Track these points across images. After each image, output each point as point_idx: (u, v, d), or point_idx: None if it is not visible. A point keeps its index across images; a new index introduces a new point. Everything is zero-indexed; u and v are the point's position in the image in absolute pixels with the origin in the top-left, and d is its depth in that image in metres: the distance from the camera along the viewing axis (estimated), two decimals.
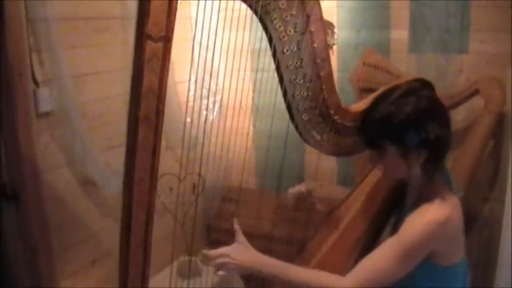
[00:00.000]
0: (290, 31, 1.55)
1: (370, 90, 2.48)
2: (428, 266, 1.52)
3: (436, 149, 1.51)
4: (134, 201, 1.26)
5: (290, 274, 1.52)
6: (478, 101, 2.51)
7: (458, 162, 2.49)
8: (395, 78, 2.45)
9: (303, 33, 1.56)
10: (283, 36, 1.55)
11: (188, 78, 3.00)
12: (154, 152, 1.25)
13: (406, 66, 2.70)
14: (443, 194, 1.51)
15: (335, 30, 2.89)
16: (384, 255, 1.47)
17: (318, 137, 1.78)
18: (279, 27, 1.53)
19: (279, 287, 1.76)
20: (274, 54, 1.59)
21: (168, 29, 1.18)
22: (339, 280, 1.48)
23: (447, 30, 2.60)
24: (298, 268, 1.54)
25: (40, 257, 2.13)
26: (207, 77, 2.80)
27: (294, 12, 1.52)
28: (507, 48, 2.41)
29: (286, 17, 1.52)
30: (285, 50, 1.57)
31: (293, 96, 1.65)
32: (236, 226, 1.63)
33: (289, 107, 1.69)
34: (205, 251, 1.58)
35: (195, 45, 2.96)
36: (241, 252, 1.57)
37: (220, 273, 1.57)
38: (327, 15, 2.82)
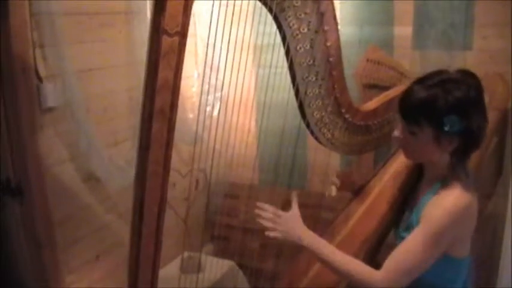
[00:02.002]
0: (304, 29, 1.56)
1: (374, 87, 2.49)
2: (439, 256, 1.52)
3: (471, 140, 1.51)
4: (147, 194, 1.27)
5: (329, 253, 1.55)
6: None
7: None
8: (398, 75, 2.45)
9: (316, 32, 1.58)
10: (297, 34, 1.56)
11: (191, 74, 3.01)
12: (168, 145, 1.26)
13: (409, 63, 2.70)
14: (465, 184, 1.51)
15: (338, 26, 2.89)
16: (413, 244, 1.48)
17: (329, 135, 1.78)
18: (293, 25, 1.55)
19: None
20: (287, 52, 1.59)
21: (184, 24, 1.20)
22: (372, 274, 1.49)
23: (451, 26, 2.60)
24: (338, 251, 1.57)
25: (44, 251, 2.14)
26: (209, 73, 2.79)
27: (308, 11, 1.54)
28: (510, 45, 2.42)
29: (300, 15, 1.54)
30: (298, 48, 1.58)
31: (305, 94, 1.66)
32: (294, 198, 1.65)
33: (301, 105, 1.69)
34: (260, 204, 1.62)
35: (198, 40, 2.98)
36: (290, 221, 1.60)
37: (271, 234, 1.59)
38: None
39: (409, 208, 1.72)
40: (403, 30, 2.74)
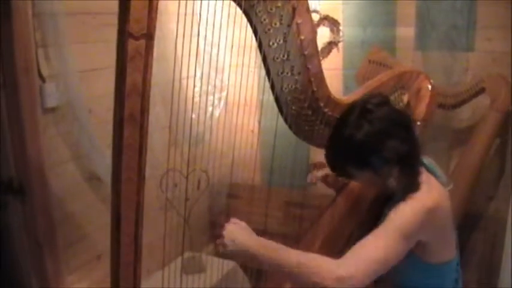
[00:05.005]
0: (276, 23, 1.51)
1: None
2: (420, 264, 1.51)
3: (405, 163, 1.47)
4: (122, 200, 1.24)
5: (280, 256, 1.40)
6: (484, 99, 2.50)
7: (464, 160, 2.49)
8: None
9: (289, 25, 1.52)
10: (269, 29, 1.51)
11: (194, 74, 3.01)
12: (141, 151, 1.23)
13: (412, 64, 2.70)
14: (430, 182, 1.49)
15: (340, 27, 2.89)
16: (375, 242, 1.39)
17: (309, 130, 1.76)
18: (264, 20, 1.49)
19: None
20: (260, 48, 1.55)
21: (150, 26, 1.16)
22: (331, 266, 1.34)
23: (453, 27, 2.60)
24: (291, 250, 1.41)
25: (45, 251, 2.14)
26: (212, 73, 2.80)
27: (279, 4, 1.49)
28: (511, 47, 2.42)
29: (271, 9, 1.49)
30: (271, 43, 1.54)
31: (281, 89, 1.62)
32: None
33: (277, 100, 1.66)
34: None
35: (200, 41, 2.98)
36: (235, 231, 1.50)
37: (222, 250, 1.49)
38: (332, 13, 2.86)
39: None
40: (406, 32, 2.74)
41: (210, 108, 2.93)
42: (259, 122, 3.09)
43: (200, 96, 3.00)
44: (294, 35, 1.54)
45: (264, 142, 3.13)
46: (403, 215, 1.41)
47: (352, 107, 1.56)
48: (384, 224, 1.42)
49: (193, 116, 2.96)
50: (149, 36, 1.17)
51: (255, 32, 1.53)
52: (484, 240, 2.58)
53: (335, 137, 1.53)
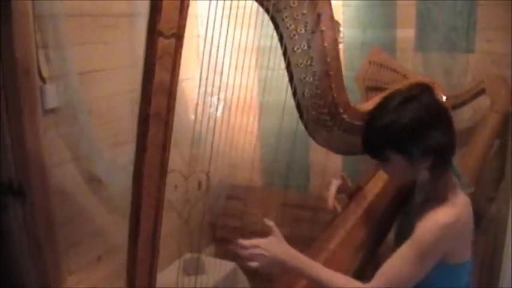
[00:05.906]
0: (301, 30, 1.54)
1: (376, 89, 2.49)
2: (437, 265, 1.51)
3: (441, 155, 1.49)
4: (143, 197, 1.26)
5: (319, 273, 1.52)
6: (484, 101, 2.50)
7: (464, 161, 2.48)
8: (401, 77, 2.45)
9: (313, 32, 1.55)
10: (294, 35, 1.54)
11: (194, 75, 3.01)
12: (164, 148, 1.25)
13: (412, 65, 2.70)
14: (453, 193, 1.51)
15: (341, 28, 2.89)
16: (401, 262, 1.48)
17: (327, 136, 1.77)
18: (290, 25, 1.53)
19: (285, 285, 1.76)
20: (284, 53, 1.58)
21: (180, 25, 1.17)
22: None
23: (454, 29, 2.60)
24: (327, 269, 1.54)
25: (46, 252, 2.14)
26: (212, 75, 2.79)
27: (305, 11, 1.52)
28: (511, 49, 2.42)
29: (297, 15, 1.52)
30: (295, 49, 1.57)
31: (303, 94, 1.65)
32: (270, 223, 1.60)
33: (298, 105, 1.68)
34: (239, 240, 1.54)
35: (201, 42, 2.98)
36: (274, 245, 1.54)
37: (253, 264, 1.52)
38: None
39: (404, 216, 1.72)
40: (406, 33, 2.73)
41: (210, 110, 2.92)
42: (260, 123, 3.09)
43: (200, 97, 3.00)
44: (318, 41, 1.57)
45: (264, 143, 3.13)
46: (427, 240, 1.45)
47: (395, 92, 1.56)
48: (409, 246, 1.47)
49: (193, 117, 2.96)
50: (179, 36, 1.18)
51: (281, 37, 1.56)
52: (485, 242, 2.58)
53: (379, 119, 1.51)
